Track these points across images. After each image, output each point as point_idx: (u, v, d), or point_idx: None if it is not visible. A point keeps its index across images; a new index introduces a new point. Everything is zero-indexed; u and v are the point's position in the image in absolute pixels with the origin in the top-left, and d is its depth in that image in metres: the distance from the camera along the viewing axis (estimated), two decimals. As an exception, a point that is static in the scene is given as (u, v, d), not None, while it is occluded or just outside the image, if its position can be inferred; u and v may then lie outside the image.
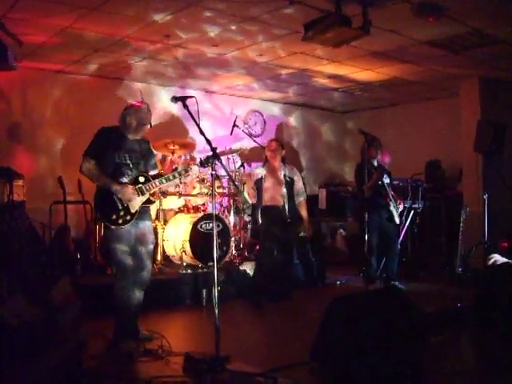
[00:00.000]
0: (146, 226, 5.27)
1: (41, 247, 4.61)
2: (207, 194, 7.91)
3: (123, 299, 4.99)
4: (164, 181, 5.18)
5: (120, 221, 4.98)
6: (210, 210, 8.09)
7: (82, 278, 7.07)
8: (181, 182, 5.69)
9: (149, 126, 5.31)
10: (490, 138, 7.32)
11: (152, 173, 5.35)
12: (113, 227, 4.98)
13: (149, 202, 5.21)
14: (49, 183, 8.24)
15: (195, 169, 5.23)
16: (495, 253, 7.36)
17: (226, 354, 4.38)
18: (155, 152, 6.09)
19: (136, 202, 5.05)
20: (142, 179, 5.12)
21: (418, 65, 8.34)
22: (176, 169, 5.38)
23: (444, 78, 9.13)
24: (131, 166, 5.13)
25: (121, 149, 5.12)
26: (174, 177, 5.22)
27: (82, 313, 4.07)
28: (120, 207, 4.98)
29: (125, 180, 5.06)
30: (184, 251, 7.38)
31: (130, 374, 4.42)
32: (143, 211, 5.19)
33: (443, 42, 7.17)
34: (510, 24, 6.47)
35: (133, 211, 5.03)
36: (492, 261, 7.17)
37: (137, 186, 5.05)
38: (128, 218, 5.01)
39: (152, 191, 5.17)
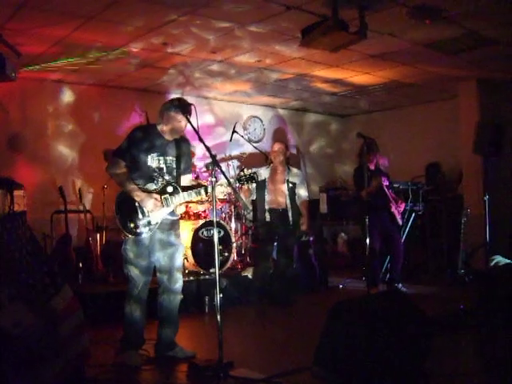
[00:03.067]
0: (171, 237, 4.90)
1: (42, 257, 4.60)
2: (208, 200, 7.91)
3: (126, 311, 4.82)
4: (194, 194, 4.81)
5: (137, 230, 4.70)
6: (210, 216, 8.09)
7: (84, 287, 7.09)
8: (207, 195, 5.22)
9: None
10: (489, 140, 7.29)
11: (185, 176, 5.04)
12: (129, 236, 4.72)
13: (172, 214, 4.91)
14: (50, 193, 8.24)
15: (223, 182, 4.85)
16: (497, 254, 7.36)
17: (229, 360, 4.38)
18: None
19: (159, 214, 4.74)
20: (170, 189, 4.78)
21: (416, 67, 8.36)
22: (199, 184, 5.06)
23: (442, 80, 9.15)
24: (164, 170, 4.81)
25: (155, 150, 4.78)
26: (206, 191, 4.78)
27: (83, 321, 4.06)
28: (140, 216, 4.71)
29: (153, 187, 4.77)
30: (186, 258, 7.38)
31: (134, 383, 4.41)
32: (168, 223, 4.87)
33: (440, 45, 7.19)
34: (506, 25, 6.49)
35: (153, 222, 4.73)
36: (494, 262, 7.16)
37: (163, 197, 4.73)
38: (146, 229, 4.72)
39: (178, 204, 4.87)
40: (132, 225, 4.69)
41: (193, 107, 4.69)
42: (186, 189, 4.86)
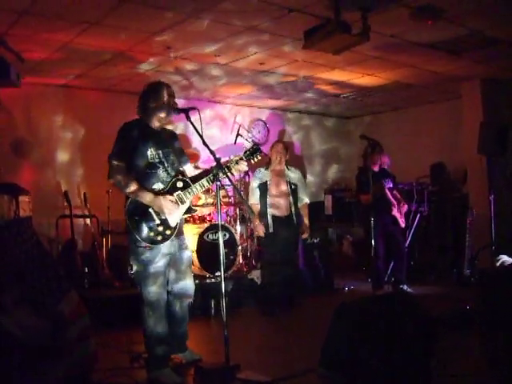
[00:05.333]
0: (182, 243, 4.74)
1: (48, 262, 4.62)
2: (213, 203, 7.92)
3: (151, 332, 4.52)
4: (206, 183, 4.54)
5: (159, 237, 4.39)
6: (216, 219, 8.10)
7: (90, 292, 7.11)
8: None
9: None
10: (493, 140, 7.29)
11: (185, 167, 4.82)
12: (151, 246, 4.38)
13: (190, 210, 4.63)
14: (55, 198, 8.27)
15: (242, 163, 4.63)
16: (503, 254, 7.34)
17: (235, 363, 4.39)
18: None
19: (176, 214, 4.48)
20: (180, 184, 4.53)
21: (419, 68, 8.34)
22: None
23: (446, 80, 9.13)
24: (166, 164, 4.54)
25: (151, 144, 4.50)
26: (217, 175, 4.48)
27: (90, 326, 4.07)
28: (158, 221, 4.40)
29: (160, 186, 4.49)
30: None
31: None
32: (181, 224, 4.66)
33: (443, 45, 7.18)
34: (509, 24, 6.47)
35: (173, 225, 4.46)
36: (500, 262, 7.15)
37: (175, 194, 4.48)
38: (168, 233, 4.43)
39: (192, 197, 4.59)
40: (152, 233, 4.39)
41: (197, 111, 4.62)
42: (195, 180, 4.62)
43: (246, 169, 4.73)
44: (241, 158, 4.69)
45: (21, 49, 6.32)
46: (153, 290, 4.48)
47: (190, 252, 4.94)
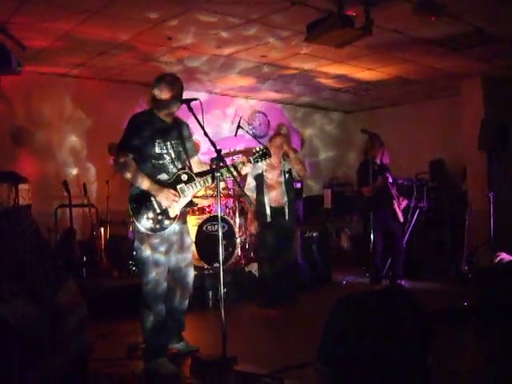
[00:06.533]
0: (185, 230, 4.80)
1: (47, 251, 4.61)
2: (212, 195, 7.92)
3: (148, 317, 4.54)
4: (210, 180, 4.58)
5: (157, 226, 4.45)
6: (215, 211, 8.10)
7: (88, 281, 7.11)
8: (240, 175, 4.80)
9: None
10: (493, 137, 7.30)
11: (192, 159, 4.79)
12: (149, 233, 4.46)
13: (191, 204, 4.68)
14: (54, 187, 8.24)
15: (248, 166, 4.73)
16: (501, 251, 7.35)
17: (232, 355, 4.39)
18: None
19: (177, 205, 4.51)
20: (184, 177, 4.58)
21: (420, 64, 8.33)
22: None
23: (446, 76, 9.12)
24: (173, 155, 4.59)
25: (160, 135, 4.55)
26: (222, 175, 4.48)
27: (87, 315, 4.07)
28: (158, 210, 4.46)
29: (165, 177, 4.55)
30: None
31: (136, 376, 4.42)
32: (184, 215, 4.76)
33: (445, 41, 7.17)
34: (511, 22, 6.46)
35: (172, 215, 4.50)
36: (498, 259, 7.15)
37: (178, 187, 4.52)
38: (167, 222, 4.48)
39: (195, 192, 4.64)
40: (151, 220, 4.45)
41: (199, 102, 4.54)
42: (200, 175, 4.65)
43: (251, 171, 4.70)
44: (248, 161, 4.74)
45: (22, 36, 6.31)
46: (152, 276, 4.51)
47: (191, 239, 4.99)
